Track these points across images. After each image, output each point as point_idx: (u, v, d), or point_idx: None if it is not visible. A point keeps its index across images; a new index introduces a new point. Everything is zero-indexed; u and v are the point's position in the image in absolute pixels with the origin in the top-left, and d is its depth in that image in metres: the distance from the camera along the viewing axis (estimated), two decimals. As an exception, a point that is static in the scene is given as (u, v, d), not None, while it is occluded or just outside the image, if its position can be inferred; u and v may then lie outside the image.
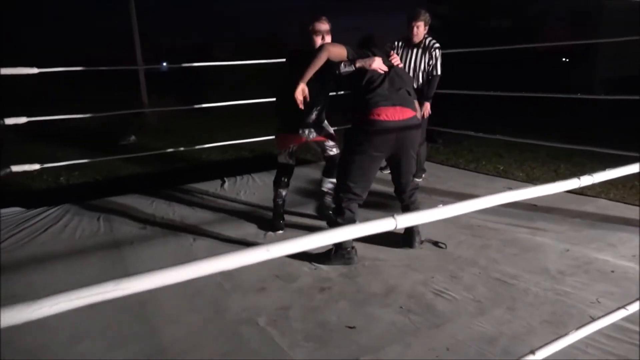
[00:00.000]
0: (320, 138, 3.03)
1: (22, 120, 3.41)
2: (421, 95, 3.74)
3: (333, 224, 2.58)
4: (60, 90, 13.13)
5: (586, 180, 1.07)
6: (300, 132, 2.94)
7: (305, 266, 2.56)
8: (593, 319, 1.33)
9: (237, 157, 6.40)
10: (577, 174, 3.84)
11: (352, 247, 2.57)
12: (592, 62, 10.70)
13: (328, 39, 2.74)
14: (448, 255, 2.64)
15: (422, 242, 2.75)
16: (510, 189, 3.81)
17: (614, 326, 1.84)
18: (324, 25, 2.73)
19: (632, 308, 1.30)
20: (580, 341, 1.74)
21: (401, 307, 2.11)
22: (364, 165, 2.51)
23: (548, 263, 2.48)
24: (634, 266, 2.40)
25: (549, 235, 2.85)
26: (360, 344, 1.84)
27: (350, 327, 1.97)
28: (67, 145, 7.04)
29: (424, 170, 4.21)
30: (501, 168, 5.25)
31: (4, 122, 3.32)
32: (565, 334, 1.24)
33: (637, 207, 3.36)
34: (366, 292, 2.26)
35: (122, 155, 5.24)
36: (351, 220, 2.47)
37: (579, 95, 3.87)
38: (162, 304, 2.22)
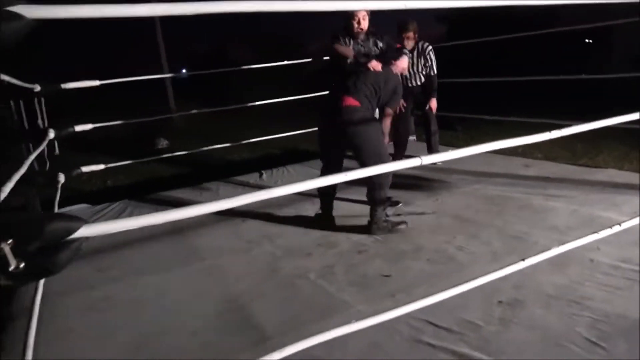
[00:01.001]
0: None
1: (88, 127, 3.92)
2: (426, 93, 4.29)
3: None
4: (86, 100, 13.70)
5: (556, 133, 1.43)
6: None
7: (344, 236, 2.96)
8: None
9: (267, 154, 6.83)
10: (593, 155, 4.18)
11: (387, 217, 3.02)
12: (610, 42, 10.83)
13: (365, 22, 3.14)
14: (469, 221, 2.99)
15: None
16: (527, 166, 4.14)
17: (610, 266, 2.20)
18: (362, 12, 3.13)
19: (604, 233, 1.65)
20: (580, 277, 2.11)
21: (428, 259, 2.49)
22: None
23: (557, 221, 2.82)
24: (633, 221, 2.71)
25: (560, 200, 3.17)
26: (395, 286, 2.23)
27: (386, 276, 2.36)
28: (102, 153, 7.52)
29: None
30: (519, 150, 5.53)
31: (74, 128, 3.83)
32: (556, 247, 1.59)
33: (645, 174, 3.64)
34: (397, 251, 2.65)
35: (161, 156, 5.69)
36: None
37: (583, 76, 4.14)
38: (225, 268, 2.66)
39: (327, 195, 3.17)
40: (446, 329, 1.83)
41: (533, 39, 4.81)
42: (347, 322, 1.94)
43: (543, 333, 1.75)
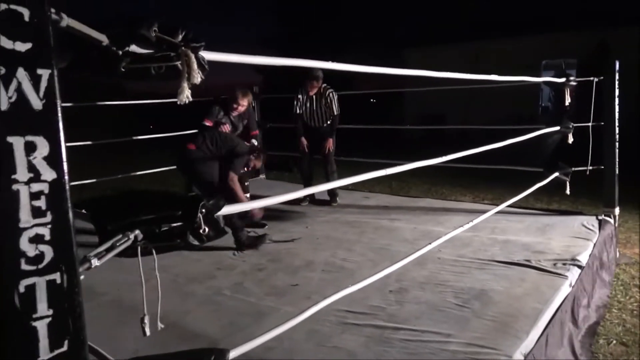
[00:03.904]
0: None
1: None
2: (326, 133, 4.73)
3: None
4: None
5: (390, 170, 2.10)
6: None
7: (239, 259, 3.26)
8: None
9: (101, 196, 6.48)
10: (406, 190, 5.41)
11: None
12: (403, 102, 13.57)
13: (243, 109, 3.95)
14: (341, 240, 3.60)
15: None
16: (366, 198, 5.02)
17: (452, 260, 3.03)
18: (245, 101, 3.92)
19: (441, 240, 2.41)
20: (436, 269, 2.87)
21: (323, 270, 2.99)
22: None
23: (406, 235, 3.64)
24: (455, 232, 3.70)
25: (402, 221, 4.05)
26: (306, 291, 2.65)
27: (294, 285, 2.77)
28: None
29: (336, 195, 4.93)
30: (350, 186, 6.54)
31: None
32: (418, 250, 2.27)
33: (450, 201, 4.86)
34: (294, 266, 3.08)
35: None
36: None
37: (408, 127, 5.31)
38: (132, 299, 2.69)
39: None
40: (362, 313, 2.33)
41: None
42: (280, 321, 2.31)
43: (427, 305, 2.40)
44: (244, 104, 3.92)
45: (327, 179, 4.77)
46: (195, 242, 0.98)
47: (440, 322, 2.22)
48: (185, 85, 0.88)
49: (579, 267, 2.84)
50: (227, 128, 3.93)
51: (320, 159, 4.82)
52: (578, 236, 3.34)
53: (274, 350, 2.06)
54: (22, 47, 0.59)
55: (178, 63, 0.86)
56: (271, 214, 4.24)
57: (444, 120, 11.07)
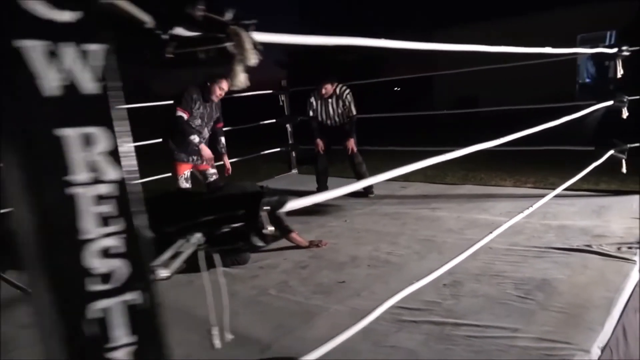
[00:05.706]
0: (204, 167, 3.85)
1: None
2: (345, 134, 4.56)
3: None
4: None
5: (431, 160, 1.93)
6: (190, 160, 3.77)
7: (280, 257, 3.17)
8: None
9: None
10: (442, 177, 5.17)
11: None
12: (431, 89, 13.34)
13: (223, 92, 3.66)
14: (382, 233, 3.48)
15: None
16: (403, 187, 4.85)
17: (505, 249, 2.86)
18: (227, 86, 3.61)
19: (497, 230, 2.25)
20: (490, 259, 2.71)
21: (368, 265, 2.87)
22: None
23: (450, 225, 3.48)
24: (504, 219, 3.51)
25: (443, 210, 3.88)
26: (355, 288, 2.55)
27: (341, 282, 2.66)
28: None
29: (372, 186, 4.70)
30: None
31: None
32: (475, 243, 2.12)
33: (491, 186, 4.66)
34: (338, 262, 2.97)
35: None
36: None
37: (445, 112, 5.12)
38: (177, 298, 2.64)
39: None
40: (417, 309, 2.21)
41: (365, 85, 5.72)
42: (330, 322, 2.20)
43: (486, 298, 2.26)
44: (226, 89, 3.64)
45: (355, 170, 4.66)
46: (260, 243, 0.88)
47: (503, 316, 2.07)
48: (239, 68, 0.77)
49: (647, 250, 2.63)
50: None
51: (344, 151, 4.67)
52: None
53: (329, 351, 1.95)
54: (69, 17, 0.48)
55: (228, 44, 0.75)
56: (308, 208, 4.13)
57: (477, 102, 10.74)
